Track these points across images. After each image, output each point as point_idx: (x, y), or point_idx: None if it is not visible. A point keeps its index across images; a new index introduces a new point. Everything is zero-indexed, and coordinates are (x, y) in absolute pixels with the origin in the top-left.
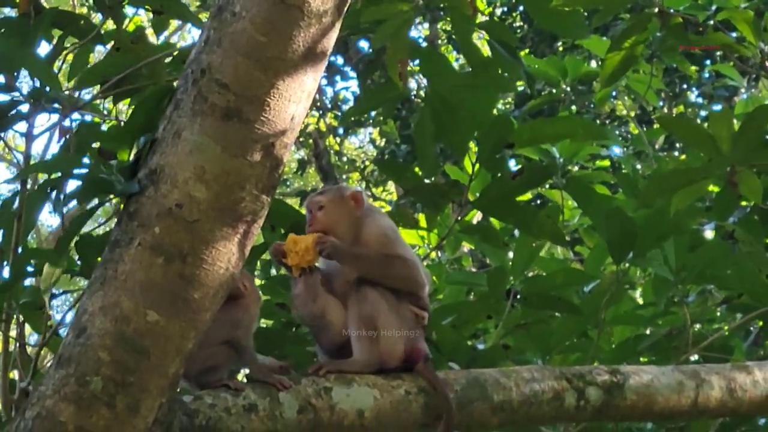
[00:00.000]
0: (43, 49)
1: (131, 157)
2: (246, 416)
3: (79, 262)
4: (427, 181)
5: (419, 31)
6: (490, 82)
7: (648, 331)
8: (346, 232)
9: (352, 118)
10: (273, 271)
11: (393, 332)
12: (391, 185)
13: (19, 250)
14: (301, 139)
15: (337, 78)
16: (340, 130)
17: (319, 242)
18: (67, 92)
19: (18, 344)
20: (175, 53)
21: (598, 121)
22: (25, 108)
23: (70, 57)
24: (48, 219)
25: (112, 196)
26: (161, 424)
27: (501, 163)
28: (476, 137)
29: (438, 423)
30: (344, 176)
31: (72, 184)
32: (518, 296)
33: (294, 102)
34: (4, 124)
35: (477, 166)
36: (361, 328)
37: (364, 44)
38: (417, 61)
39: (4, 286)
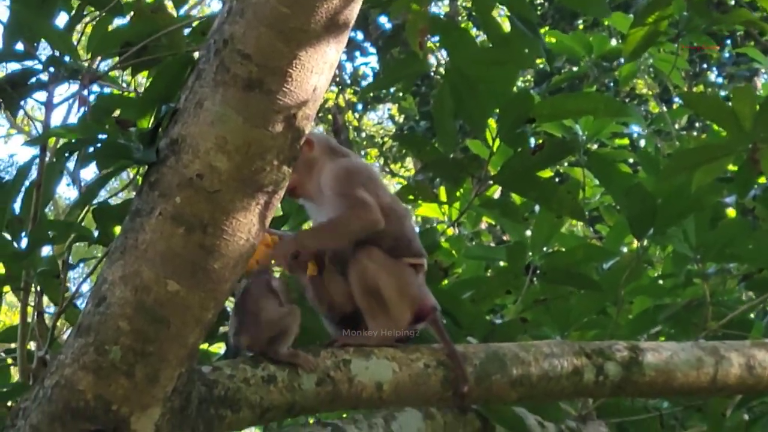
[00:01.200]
0: (62, 20)
1: (150, 126)
2: (265, 387)
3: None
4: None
5: (439, 8)
6: (510, 58)
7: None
8: (311, 182)
9: (371, 94)
10: None
11: (398, 298)
12: (409, 161)
13: (37, 219)
14: (320, 115)
15: (357, 53)
16: (359, 106)
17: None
18: (86, 62)
19: (36, 313)
20: (195, 23)
21: (618, 99)
22: (44, 77)
23: (88, 28)
24: (65, 192)
25: (129, 164)
26: (180, 393)
27: (521, 138)
28: (496, 112)
29: (456, 396)
30: (362, 152)
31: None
32: (537, 272)
33: (316, 73)
34: (24, 93)
35: (497, 140)
36: (369, 301)
37: (383, 20)
38: (437, 37)
39: (22, 254)
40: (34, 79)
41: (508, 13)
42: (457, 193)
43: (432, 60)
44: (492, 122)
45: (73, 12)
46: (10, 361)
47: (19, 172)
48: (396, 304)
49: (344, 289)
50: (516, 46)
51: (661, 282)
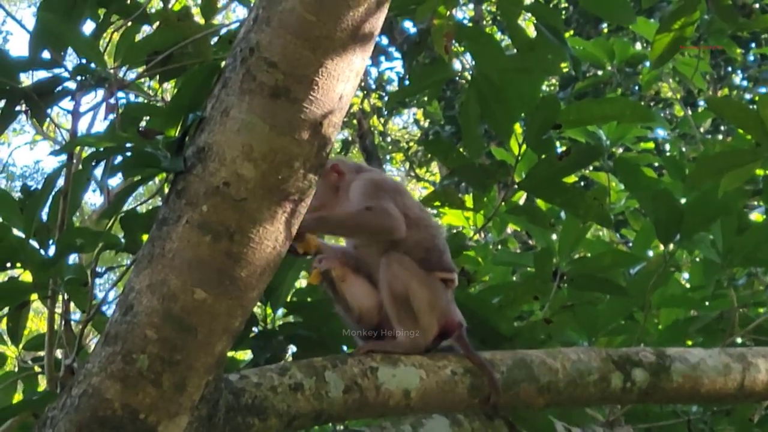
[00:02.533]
0: (89, 27)
1: (177, 135)
2: (292, 395)
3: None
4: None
5: (464, 12)
6: (536, 64)
7: (696, 314)
8: (339, 203)
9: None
10: None
11: (427, 309)
12: (435, 166)
13: (65, 226)
14: (345, 120)
15: (382, 58)
16: (384, 111)
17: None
18: (112, 70)
19: (63, 321)
20: (222, 32)
21: (643, 103)
22: (71, 85)
23: (115, 36)
24: (91, 198)
25: (156, 172)
26: (207, 402)
27: (548, 144)
28: (523, 118)
29: (484, 403)
30: (388, 156)
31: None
32: (564, 277)
33: (342, 81)
34: (51, 101)
35: (523, 146)
36: (399, 309)
37: (408, 25)
38: (463, 42)
39: (49, 262)
40: (60, 88)
41: (534, 20)
42: (484, 199)
43: (457, 64)
44: (518, 128)
45: (100, 20)
46: (37, 369)
47: (47, 181)
48: (424, 315)
49: (372, 300)
50: (542, 53)
51: (690, 293)
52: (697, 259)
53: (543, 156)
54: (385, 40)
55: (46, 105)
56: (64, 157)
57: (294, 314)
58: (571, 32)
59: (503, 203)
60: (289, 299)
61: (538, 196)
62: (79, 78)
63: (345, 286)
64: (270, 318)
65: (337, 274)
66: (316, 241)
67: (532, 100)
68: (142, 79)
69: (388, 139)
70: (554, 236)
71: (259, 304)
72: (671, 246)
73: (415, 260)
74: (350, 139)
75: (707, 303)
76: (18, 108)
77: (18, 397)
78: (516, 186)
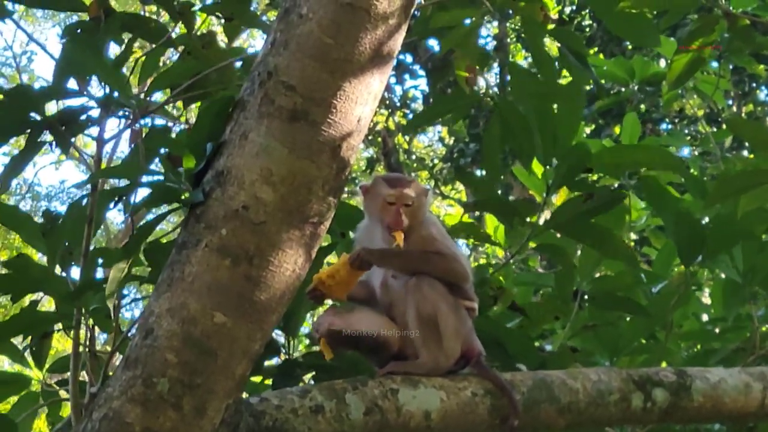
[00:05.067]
0: (113, 49)
1: (199, 164)
2: (313, 417)
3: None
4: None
5: (488, 30)
6: (563, 92)
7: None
8: (410, 230)
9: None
10: None
11: (453, 333)
12: (459, 184)
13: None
14: (369, 137)
15: (406, 76)
16: (406, 133)
17: (351, 260)
18: (137, 95)
19: (88, 349)
20: (246, 57)
21: (666, 120)
22: (95, 112)
23: (139, 56)
24: (116, 217)
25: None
26: (228, 425)
27: (581, 185)
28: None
29: (504, 425)
30: (413, 174)
31: (142, 191)
32: (586, 297)
33: (360, 104)
34: (76, 130)
35: (552, 188)
36: (425, 330)
37: (433, 43)
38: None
39: (74, 294)
40: (85, 116)
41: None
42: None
43: (480, 82)
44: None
45: (125, 45)
46: (63, 394)
47: (70, 212)
48: (450, 339)
49: (388, 329)
50: (576, 84)
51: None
52: (722, 275)
53: (570, 195)
54: (409, 58)
55: (71, 134)
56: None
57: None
58: (595, 50)
59: (529, 239)
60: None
61: (567, 235)
62: (103, 106)
63: (354, 327)
64: (289, 345)
65: (342, 325)
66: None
67: (566, 141)
68: (168, 106)
69: (413, 157)
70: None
71: (280, 332)
72: (693, 266)
73: (447, 288)
74: (375, 156)
75: (727, 335)
76: (42, 138)
77: (41, 421)
78: (543, 225)
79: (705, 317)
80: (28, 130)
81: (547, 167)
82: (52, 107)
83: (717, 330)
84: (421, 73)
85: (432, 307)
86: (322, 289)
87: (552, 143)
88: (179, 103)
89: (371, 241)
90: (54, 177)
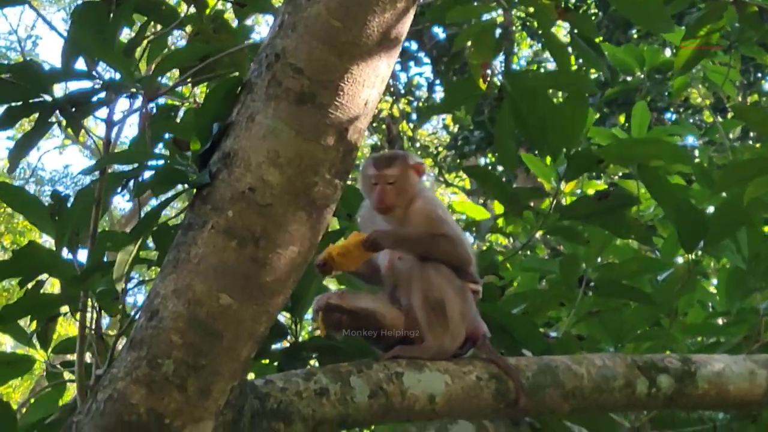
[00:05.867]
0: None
1: (205, 145)
2: (317, 400)
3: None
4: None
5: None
6: (574, 81)
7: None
8: (404, 207)
9: (424, 104)
10: None
11: (459, 317)
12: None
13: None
14: (374, 125)
15: (411, 63)
16: (414, 116)
17: (368, 244)
18: (146, 77)
19: (94, 331)
20: (256, 40)
21: (672, 110)
22: (104, 95)
23: (147, 41)
24: (120, 203)
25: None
26: (232, 407)
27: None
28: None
29: (509, 408)
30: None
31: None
32: (591, 284)
33: (368, 87)
34: (85, 112)
35: (564, 180)
36: (431, 314)
37: (438, 30)
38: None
39: (81, 276)
40: (96, 99)
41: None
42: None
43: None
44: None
45: (138, 27)
46: (68, 376)
47: (79, 196)
48: (456, 322)
49: (391, 313)
50: (579, 72)
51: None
52: (724, 267)
53: (590, 185)
54: (414, 46)
55: (81, 116)
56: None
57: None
58: (600, 38)
59: (539, 226)
60: None
61: (576, 220)
62: (112, 89)
63: (352, 304)
64: (296, 329)
65: (345, 302)
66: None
67: (575, 135)
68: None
69: (417, 145)
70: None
71: (287, 315)
72: (697, 253)
73: (452, 271)
74: (379, 144)
75: (730, 328)
76: (51, 119)
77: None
78: (555, 213)
79: (710, 307)
80: (37, 112)
81: (558, 158)
82: (58, 91)
83: (721, 322)
84: (426, 60)
85: (439, 292)
86: (331, 263)
87: (561, 135)
88: (185, 89)
89: (372, 220)
90: (58, 161)
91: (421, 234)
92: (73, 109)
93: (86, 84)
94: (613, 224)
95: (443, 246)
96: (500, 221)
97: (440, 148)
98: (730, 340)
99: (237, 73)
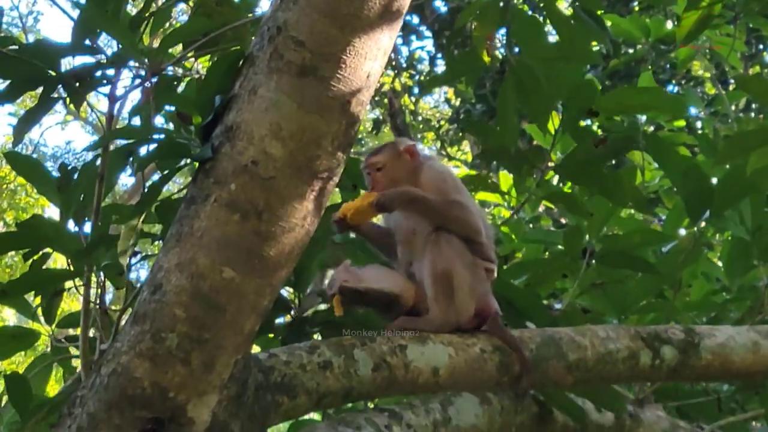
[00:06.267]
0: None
1: (206, 119)
2: (321, 373)
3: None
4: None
5: None
6: (577, 54)
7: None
8: (409, 185)
9: (426, 77)
10: (352, 235)
11: (467, 290)
12: (466, 145)
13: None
14: (376, 99)
15: (413, 37)
16: (415, 90)
17: (377, 204)
18: (150, 49)
19: (98, 306)
20: (259, 13)
21: (674, 82)
22: (108, 71)
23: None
24: (123, 178)
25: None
26: (236, 380)
27: (585, 131)
28: (561, 103)
29: (513, 381)
30: (419, 135)
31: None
32: (594, 255)
33: (370, 59)
34: (89, 87)
35: (560, 132)
36: (438, 285)
37: (439, 3)
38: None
39: (86, 250)
40: (100, 73)
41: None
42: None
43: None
44: (554, 115)
45: (143, 3)
46: (74, 351)
47: (84, 171)
48: (463, 295)
49: (402, 284)
50: (582, 41)
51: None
52: (728, 239)
53: (580, 143)
54: (416, 19)
55: (85, 91)
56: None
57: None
58: (602, 10)
59: (539, 187)
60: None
61: (575, 182)
62: (116, 64)
63: (367, 283)
64: (298, 303)
65: (353, 281)
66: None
67: (570, 85)
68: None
69: (419, 118)
70: None
71: (290, 290)
72: (702, 224)
73: (465, 245)
74: (381, 118)
75: (731, 306)
76: (55, 95)
77: (53, 379)
78: (552, 170)
79: (715, 280)
80: (41, 87)
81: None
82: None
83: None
84: (428, 34)
85: (447, 263)
86: (347, 220)
87: (557, 87)
88: (187, 63)
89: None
90: (60, 137)
91: (431, 197)
92: (77, 84)
93: (89, 59)
94: (609, 188)
95: (454, 211)
96: (501, 179)
97: (442, 122)
98: (730, 316)
99: (239, 47)
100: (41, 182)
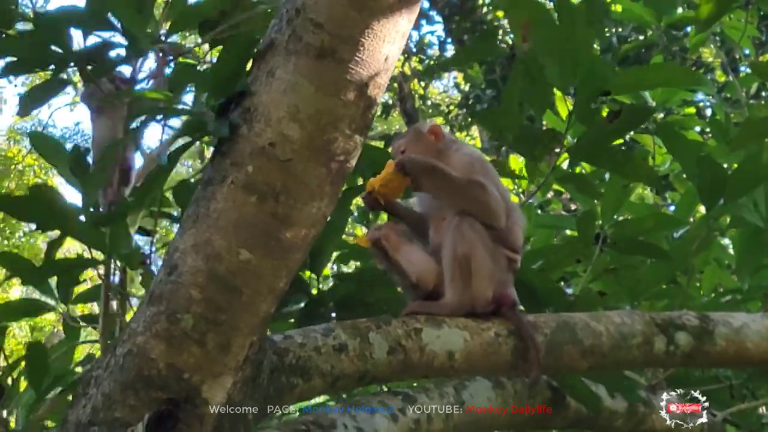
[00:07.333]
0: None
1: (220, 100)
2: (336, 356)
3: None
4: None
5: None
6: (584, 40)
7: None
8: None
9: (435, 62)
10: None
11: (485, 275)
12: (475, 130)
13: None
14: None
15: (423, 22)
16: (424, 77)
17: (397, 163)
18: (163, 36)
19: (119, 291)
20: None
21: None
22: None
23: None
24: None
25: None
26: (251, 362)
27: (596, 113)
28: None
29: (526, 365)
30: (428, 120)
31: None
32: (607, 240)
33: (388, 42)
34: (102, 70)
35: (573, 115)
36: (456, 268)
37: None
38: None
39: (103, 220)
40: (115, 55)
41: None
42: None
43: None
44: (560, 96)
45: None
46: (94, 334)
47: (105, 157)
48: (480, 279)
49: (428, 266)
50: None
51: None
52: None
53: (592, 123)
54: (426, 4)
55: (97, 74)
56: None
57: (343, 283)
58: None
59: (552, 171)
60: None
61: (586, 160)
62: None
63: (398, 255)
64: (315, 284)
65: (391, 245)
66: (398, 195)
67: (584, 68)
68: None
69: (429, 103)
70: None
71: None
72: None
73: (488, 233)
74: (391, 102)
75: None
76: (63, 77)
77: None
78: (566, 152)
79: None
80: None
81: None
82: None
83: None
84: (438, 18)
85: (468, 247)
86: (376, 195)
87: (571, 69)
88: (199, 51)
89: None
90: (69, 119)
91: (452, 172)
92: (89, 67)
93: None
94: (621, 165)
95: (474, 191)
96: (511, 162)
97: (451, 107)
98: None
99: (251, 30)
100: (60, 162)
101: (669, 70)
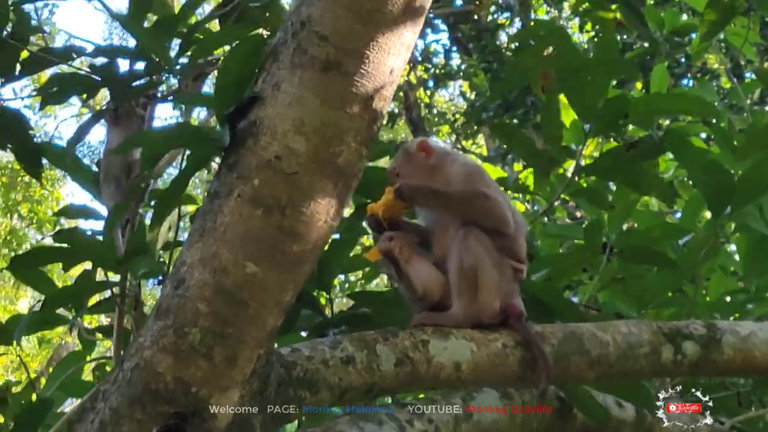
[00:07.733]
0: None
1: (227, 107)
2: (343, 368)
3: None
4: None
5: None
6: (608, 64)
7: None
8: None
9: (441, 71)
10: None
11: (492, 287)
12: (481, 138)
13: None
14: None
15: (428, 30)
16: (430, 83)
17: (395, 190)
18: (187, 64)
19: (135, 309)
20: None
21: (689, 76)
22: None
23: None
24: None
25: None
26: (259, 375)
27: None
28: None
29: (534, 376)
30: (434, 129)
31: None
32: (614, 250)
33: (393, 55)
34: (130, 95)
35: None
36: (462, 280)
37: None
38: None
39: (123, 260)
40: (144, 81)
41: None
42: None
43: (503, 37)
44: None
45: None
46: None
47: (113, 216)
48: (487, 291)
49: (435, 279)
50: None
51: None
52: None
53: (610, 146)
54: (431, 13)
55: (133, 95)
56: None
57: (358, 304)
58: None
59: (567, 187)
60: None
61: (601, 176)
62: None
63: (409, 266)
64: (324, 300)
65: (403, 256)
66: (400, 216)
67: (600, 96)
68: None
69: (434, 111)
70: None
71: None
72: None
73: (494, 244)
74: (396, 111)
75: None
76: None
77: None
78: (582, 171)
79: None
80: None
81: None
82: None
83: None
84: (443, 27)
85: (474, 259)
86: (379, 218)
87: (592, 104)
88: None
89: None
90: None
91: (452, 189)
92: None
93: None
94: (635, 180)
95: (478, 202)
96: (522, 176)
97: (457, 115)
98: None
99: (259, 31)
100: (78, 174)
101: (687, 101)
